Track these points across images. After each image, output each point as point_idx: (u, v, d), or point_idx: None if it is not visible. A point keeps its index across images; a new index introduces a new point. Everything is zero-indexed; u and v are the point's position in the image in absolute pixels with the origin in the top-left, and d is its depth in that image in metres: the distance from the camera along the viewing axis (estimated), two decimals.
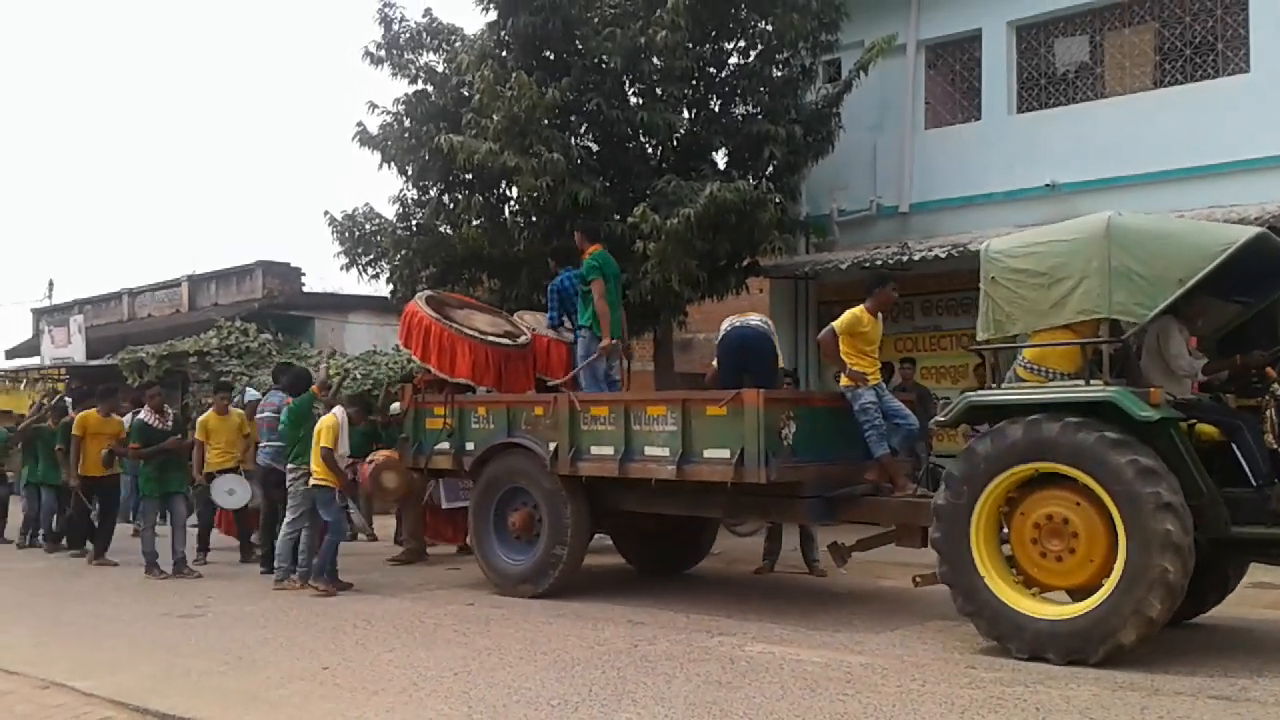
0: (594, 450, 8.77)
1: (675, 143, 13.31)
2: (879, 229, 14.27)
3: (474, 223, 13.41)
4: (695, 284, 12.21)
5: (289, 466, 10.29)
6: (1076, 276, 6.76)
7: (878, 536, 8.45)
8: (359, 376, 16.57)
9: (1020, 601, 6.66)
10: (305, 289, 22.76)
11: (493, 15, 13.06)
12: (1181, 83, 12.49)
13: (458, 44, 13.67)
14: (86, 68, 74.06)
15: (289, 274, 22.64)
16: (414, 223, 14.12)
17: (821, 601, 9.01)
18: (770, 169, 13.15)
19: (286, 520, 10.15)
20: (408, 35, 13.79)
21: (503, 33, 12.95)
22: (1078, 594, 6.68)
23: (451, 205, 13.84)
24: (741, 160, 13.43)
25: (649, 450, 8.42)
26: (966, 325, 13.61)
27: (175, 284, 24.78)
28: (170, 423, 11.54)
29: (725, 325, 9.35)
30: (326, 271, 64.75)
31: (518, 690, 6.15)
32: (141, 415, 11.31)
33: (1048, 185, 12.79)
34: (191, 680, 6.69)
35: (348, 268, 14.29)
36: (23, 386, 24.58)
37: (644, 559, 10.64)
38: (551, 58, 13.06)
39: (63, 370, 23.57)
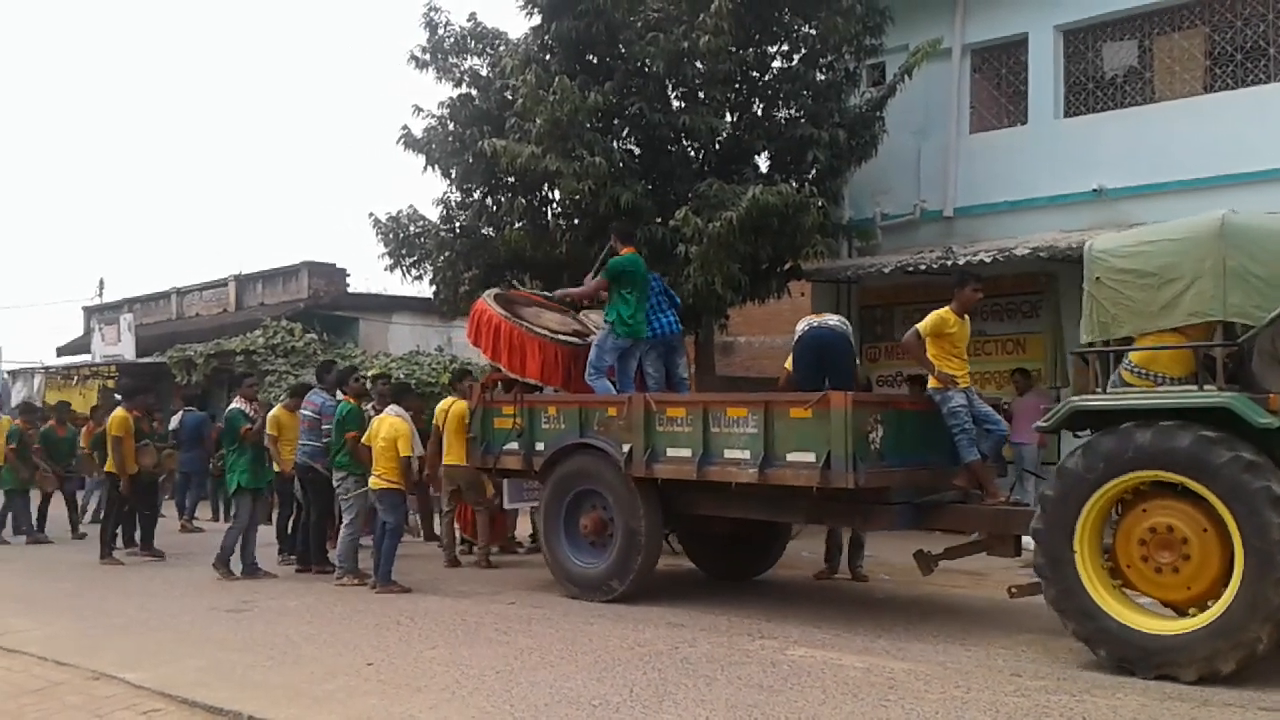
0: (670, 452, 8.59)
1: (717, 146, 13.31)
2: (923, 233, 14.18)
3: (516, 225, 13.48)
4: (737, 287, 12.18)
5: (338, 475, 10.43)
6: (1188, 277, 6.56)
7: (967, 545, 8.26)
8: (401, 376, 16.72)
9: (1106, 598, 6.52)
10: (350, 289, 23.00)
11: (537, 20, 13.14)
12: (1232, 88, 12.32)
13: (502, 48, 13.73)
14: (139, 69, 75.27)
15: (334, 274, 22.88)
16: (457, 225, 14.22)
17: (863, 607, 8.97)
18: (813, 172, 13.11)
19: (345, 522, 10.41)
20: (452, 40, 13.88)
21: (546, 37, 13.01)
22: (1175, 607, 6.54)
23: (494, 208, 13.92)
24: (784, 164, 13.40)
25: (729, 453, 8.23)
26: (1011, 330, 13.56)
27: (223, 284, 25.11)
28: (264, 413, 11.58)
29: (802, 326, 9.14)
30: (371, 272, 65.17)
31: (559, 690, 6.18)
32: (236, 404, 11.35)
33: (1095, 190, 12.66)
34: (238, 674, 6.79)
35: (392, 269, 14.41)
36: (74, 383, 24.99)
37: (713, 564, 10.50)
38: (594, 62, 13.10)
39: (113, 368, 23.94)
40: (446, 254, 14.01)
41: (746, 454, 8.10)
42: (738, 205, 11.44)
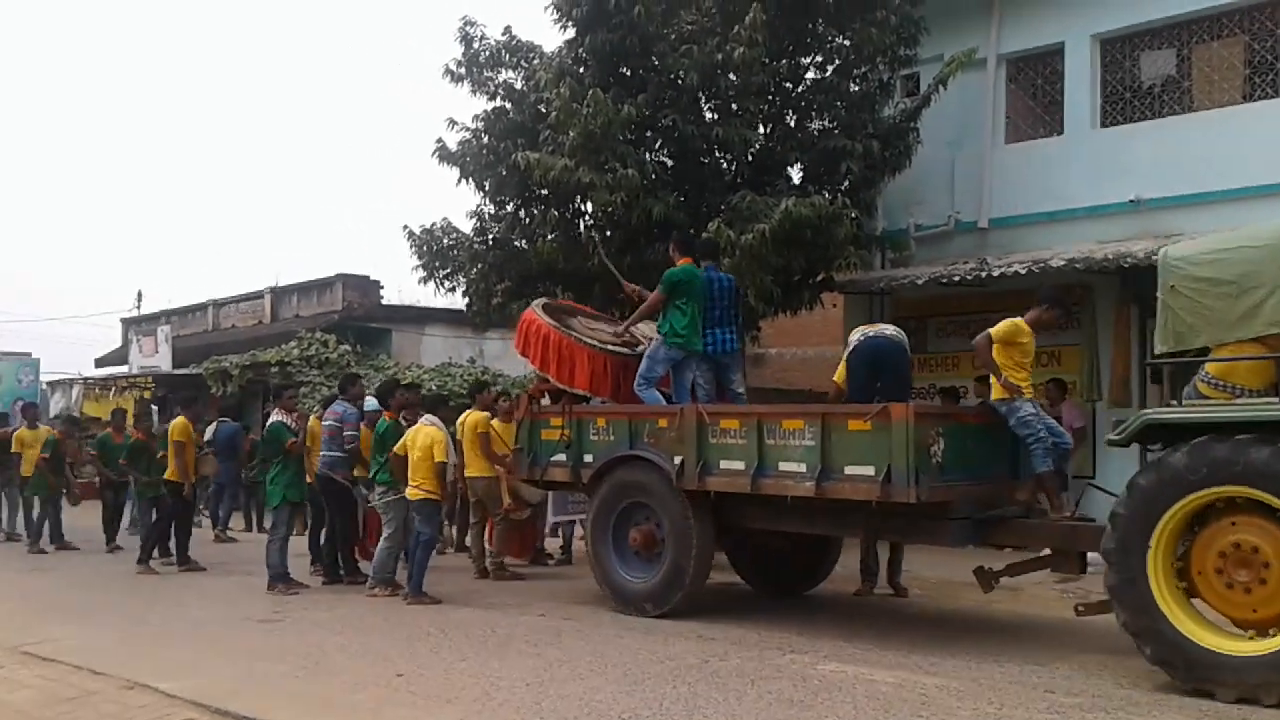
0: (723, 465, 8.40)
1: (750, 158, 13.28)
2: (957, 244, 14.08)
3: (549, 237, 13.51)
4: (769, 299, 12.13)
5: (379, 489, 10.39)
6: (1269, 285, 6.36)
7: (1030, 561, 8.04)
8: (434, 388, 16.78)
9: (1167, 599, 6.30)
10: (383, 301, 23.14)
11: (571, 33, 13.17)
12: (1272, 96, 12.15)
13: (536, 61, 13.79)
14: (178, 83, 76.36)
15: (368, 287, 23.04)
16: (490, 237, 14.28)
17: (895, 622, 8.88)
18: (846, 184, 13.05)
19: (385, 535, 10.33)
20: (487, 53, 13.94)
21: (580, 50, 13.04)
22: (1238, 625, 6.34)
23: (527, 220, 13.97)
24: (817, 175, 13.35)
25: (784, 466, 8.04)
26: (1046, 342, 13.31)
27: (258, 295, 25.34)
28: (304, 425, 11.57)
29: (856, 336, 8.91)
30: (404, 284, 65.84)
31: (589, 703, 6.17)
32: (277, 417, 11.36)
33: (1132, 201, 12.51)
34: (270, 684, 6.83)
35: (425, 281, 14.46)
36: (111, 394, 25.31)
37: (763, 579, 10.29)
38: (628, 74, 13.12)
39: (150, 379, 24.21)
40: (479, 266, 14.07)
41: (803, 467, 7.91)
42: (770, 217, 11.40)
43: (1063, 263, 11.90)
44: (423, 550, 9.88)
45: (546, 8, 13.06)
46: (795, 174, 13.68)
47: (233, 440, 15.87)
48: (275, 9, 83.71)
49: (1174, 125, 12.69)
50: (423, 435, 9.89)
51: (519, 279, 13.98)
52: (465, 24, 13.86)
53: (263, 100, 78.65)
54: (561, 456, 9.55)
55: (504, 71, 14.12)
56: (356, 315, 22.18)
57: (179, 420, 12.41)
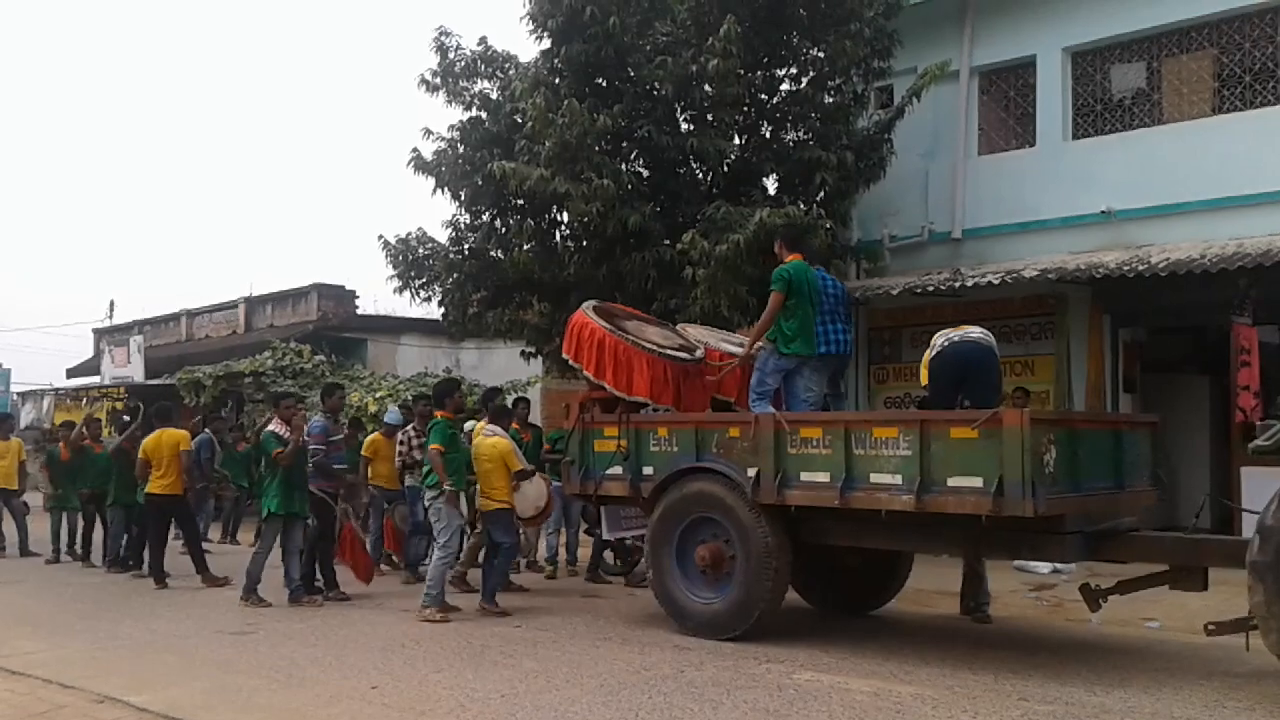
0: (804, 476, 7.78)
1: (726, 168, 13.35)
2: (930, 255, 14.20)
3: (525, 247, 13.54)
4: (744, 309, 12.18)
5: (429, 494, 9.82)
6: None
7: (1146, 578, 7.56)
8: (409, 398, 16.64)
9: None
10: (359, 311, 23.09)
11: (546, 43, 13.23)
12: (1241, 109, 12.34)
13: (511, 71, 13.84)
14: (152, 90, 75.96)
15: (343, 296, 22.98)
16: (466, 247, 14.29)
17: (870, 631, 8.89)
18: (821, 195, 13.14)
19: (440, 544, 9.71)
20: (463, 63, 13.99)
21: (556, 60, 13.09)
22: None
23: (503, 230, 13.98)
24: (792, 186, 13.44)
25: (876, 478, 7.39)
26: (1019, 352, 13.51)
27: (232, 305, 25.23)
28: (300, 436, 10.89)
29: (940, 341, 8.25)
30: (380, 294, 65.59)
31: (564, 714, 6.15)
32: (271, 426, 10.83)
33: (1104, 212, 12.66)
34: (243, 697, 6.76)
35: (400, 290, 14.49)
36: (84, 405, 25.08)
37: (829, 597, 9.64)
38: (604, 85, 13.18)
39: (122, 389, 24.03)
40: (455, 276, 14.07)
41: (898, 479, 7.27)
42: (745, 228, 11.46)
43: (1035, 273, 12.01)
44: (502, 558, 9.65)
45: (522, 18, 13.13)
46: (770, 185, 13.79)
47: (203, 450, 15.72)
48: (255, 14, 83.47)
49: (1144, 137, 12.87)
50: (488, 446, 9.66)
51: (495, 289, 13.99)
52: (441, 34, 13.90)
53: (238, 109, 78.37)
54: (618, 469, 8.94)
55: (479, 82, 14.17)
56: (331, 325, 22.12)
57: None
